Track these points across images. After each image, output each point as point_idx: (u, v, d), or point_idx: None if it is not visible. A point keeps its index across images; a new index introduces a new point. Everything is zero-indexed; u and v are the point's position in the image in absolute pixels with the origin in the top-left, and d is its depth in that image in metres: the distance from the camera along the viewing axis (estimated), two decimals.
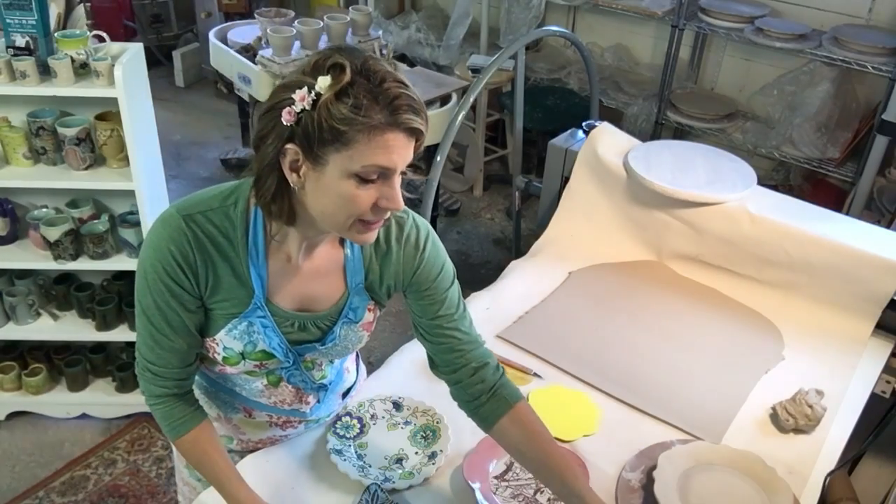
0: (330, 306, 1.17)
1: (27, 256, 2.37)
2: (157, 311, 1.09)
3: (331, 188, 0.97)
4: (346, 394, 1.43)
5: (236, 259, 1.08)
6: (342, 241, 1.15)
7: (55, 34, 2.16)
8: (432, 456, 1.33)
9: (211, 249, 1.07)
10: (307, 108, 0.94)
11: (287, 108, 0.94)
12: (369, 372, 1.55)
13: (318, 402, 1.31)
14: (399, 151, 0.97)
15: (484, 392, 1.19)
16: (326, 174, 0.96)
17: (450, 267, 1.21)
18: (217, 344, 1.13)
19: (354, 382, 1.46)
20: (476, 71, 3.49)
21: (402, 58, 4.19)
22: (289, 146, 0.96)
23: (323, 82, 0.93)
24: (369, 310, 1.21)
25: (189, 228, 1.05)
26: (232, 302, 1.10)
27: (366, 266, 1.17)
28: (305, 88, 0.93)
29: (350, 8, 3.77)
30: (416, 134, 0.98)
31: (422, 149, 1.02)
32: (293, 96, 0.94)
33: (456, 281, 1.22)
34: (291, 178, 0.99)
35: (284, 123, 0.95)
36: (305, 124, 0.94)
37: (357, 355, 1.49)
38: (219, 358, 1.15)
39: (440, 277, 1.19)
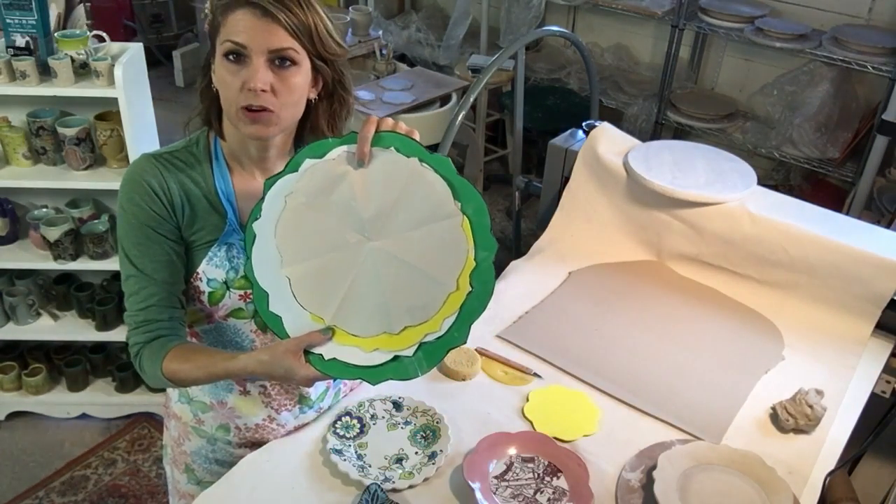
0: None
1: (27, 256, 2.38)
2: (139, 246, 1.14)
3: (217, 73, 1.09)
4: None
5: (205, 187, 1.17)
6: None
7: (55, 34, 2.16)
8: (432, 456, 1.33)
9: (181, 178, 1.16)
10: (209, 11, 1.10)
11: (206, 17, 1.11)
12: None
13: None
14: (249, 31, 1.05)
15: None
16: (216, 61, 1.09)
17: None
18: (200, 280, 1.18)
19: None
20: (476, 71, 3.50)
21: (402, 58, 4.19)
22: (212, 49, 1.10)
23: None
24: None
25: (158, 162, 1.16)
26: (208, 229, 1.17)
27: None
28: None
29: (350, 8, 3.78)
30: (269, 16, 1.04)
31: (334, 57, 1.13)
32: (205, 7, 1.09)
33: None
34: (213, 77, 1.11)
35: (207, 30, 1.10)
36: (209, 25, 1.10)
37: None
38: (204, 298, 1.18)
39: None
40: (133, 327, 1.17)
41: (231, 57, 1.06)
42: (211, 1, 1.09)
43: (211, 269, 1.18)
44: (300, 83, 1.10)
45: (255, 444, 1.36)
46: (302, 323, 1.08)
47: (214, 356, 1.13)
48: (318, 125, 1.19)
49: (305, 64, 1.09)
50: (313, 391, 1.36)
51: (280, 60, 1.07)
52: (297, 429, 1.38)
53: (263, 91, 1.06)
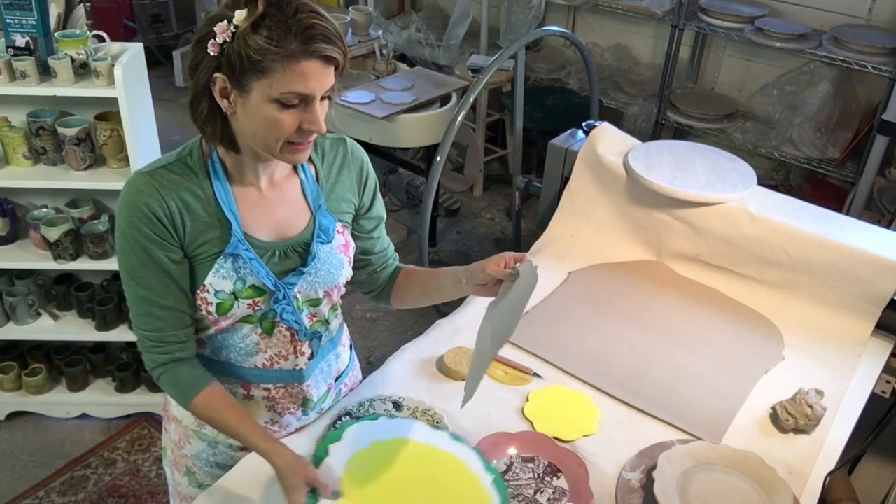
0: (302, 229, 1.23)
1: (27, 256, 2.38)
2: (143, 269, 1.14)
3: (257, 113, 1.06)
4: (338, 378, 1.43)
5: (206, 200, 1.16)
6: (295, 167, 1.24)
7: (55, 34, 2.16)
8: None
9: (180, 194, 1.14)
10: (228, 39, 1.03)
11: (211, 41, 1.03)
12: (369, 372, 1.55)
13: (313, 355, 1.31)
14: (316, 79, 1.04)
15: (384, 280, 1.41)
16: (251, 100, 1.05)
17: (377, 182, 1.36)
18: (208, 292, 1.17)
19: (347, 368, 1.47)
20: (476, 71, 3.50)
21: (402, 58, 4.19)
22: (217, 75, 1.05)
23: (239, 15, 1.02)
24: (339, 232, 1.27)
25: (154, 180, 1.13)
26: (212, 242, 1.16)
27: (321, 185, 1.26)
28: (225, 21, 1.02)
29: (350, 8, 3.78)
30: (332, 62, 1.06)
31: (345, 72, 1.10)
32: (215, 29, 1.03)
33: None
34: (223, 103, 1.08)
35: (210, 54, 1.04)
36: (228, 55, 1.03)
37: (351, 347, 1.50)
38: (212, 308, 1.17)
39: (376, 190, 1.34)
40: (147, 346, 1.19)
41: (290, 103, 1.05)
42: (245, 39, 1.01)
43: (218, 281, 1.16)
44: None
45: None
46: (334, 468, 1.20)
47: (241, 431, 1.19)
48: None
49: None
50: (315, 393, 1.35)
51: (327, 94, 1.09)
52: (298, 430, 1.38)
53: None
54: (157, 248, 1.13)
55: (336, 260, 1.25)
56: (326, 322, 1.31)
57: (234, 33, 1.02)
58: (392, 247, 1.43)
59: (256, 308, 1.20)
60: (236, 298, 1.17)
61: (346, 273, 1.29)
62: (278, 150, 1.10)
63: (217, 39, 1.03)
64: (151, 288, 1.15)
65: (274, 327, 1.24)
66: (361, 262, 1.37)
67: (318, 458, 1.19)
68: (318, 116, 1.07)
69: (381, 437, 1.25)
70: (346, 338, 1.46)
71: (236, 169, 1.18)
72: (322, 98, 1.08)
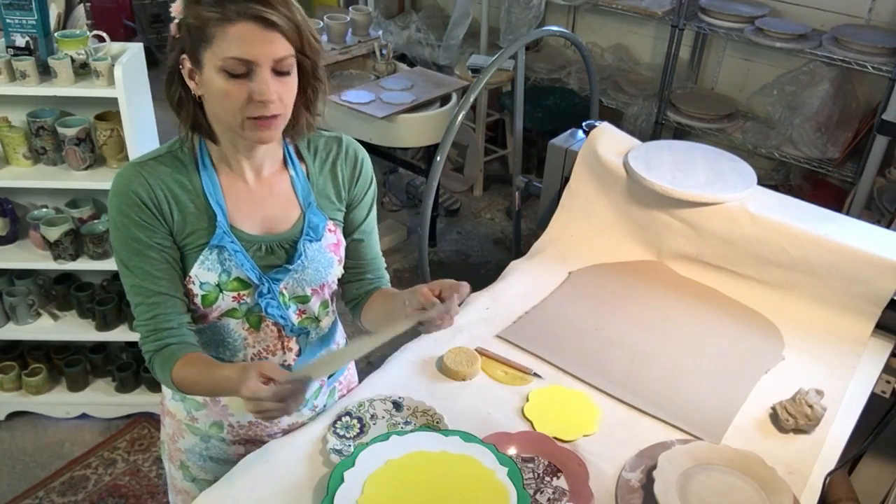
0: (291, 226, 1.23)
1: (27, 256, 2.38)
2: (136, 257, 1.15)
3: (210, 87, 1.06)
4: (332, 376, 1.44)
5: (193, 191, 1.17)
6: (285, 163, 1.24)
7: (55, 34, 2.16)
8: None
9: (168, 185, 1.15)
10: (181, 16, 1.05)
11: (173, 23, 1.06)
12: (369, 372, 1.55)
13: (301, 351, 1.31)
14: (257, 44, 1.03)
15: (356, 294, 1.38)
16: (205, 74, 1.06)
17: (375, 186, 1.34)
18: (193, 283, 1.18)
19: (343, 366, 1.47)
20: (476, 71, 3.50)
21: (402, 58, 4.19)
22: (183, 56, 1.08)
23: None
24: (330, 231, 1.26)
25: (144, 170, 1.15)
26: (199, 233, 1.17)
27: (312, 182, 1.25)
28: (179, 0, 1.05)
29: (350, 8, 3.78)
30: (273, 26, 1.03)
31: (316, 53, 1.11)
32: (171, 9, 1.05)
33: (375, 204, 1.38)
34: (191, 86, 1.09)
35: (175, 37, 1.07)
36: (185, 32, 1.05)
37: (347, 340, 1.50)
38: (198, 301, 1.18)
39: (369, 191, 1.33)
40: (143, 336, 1.20)
41: (234, 72, 1.04)
42: (189, 10, 1.04)
43: (203, 273, 1.17)
44: (295, 83, 1.11)
45: (249, 441, 1.37)
46: (352, 493, 1.18)
47: (212, 361, 1.17)
48: (297, 113, 1.17)
49: (295, 63, 1.09)
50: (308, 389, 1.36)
51: (280, 67, 1.07)
52: (291, 426, 1.38)
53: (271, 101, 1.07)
54: (147, 235, 1.14)
55: (325, 258, 1.25)
56: (317, 319, 1.31)
57: (184, 9, 1.05)
58: (375, 263, 1.38)
59: (241, 301, 1.20)
60: (221, 291, 1.18)
61: (336, 272, 1.29)
62: (239, 126, 1.09)
63: (175, 19, 1.06)
64: (145, 274, 1.16)
65: (261, 322, 1.25)
66: (349, 279, 1.37)
67: (333, 485, 1.18)
68: (266, 86, 1.05)
69: (393, 455, 1.25)
70: (340, 336, 1.46)
71: (221, 161, 1.19)
72: (281, 72, 1.07)
